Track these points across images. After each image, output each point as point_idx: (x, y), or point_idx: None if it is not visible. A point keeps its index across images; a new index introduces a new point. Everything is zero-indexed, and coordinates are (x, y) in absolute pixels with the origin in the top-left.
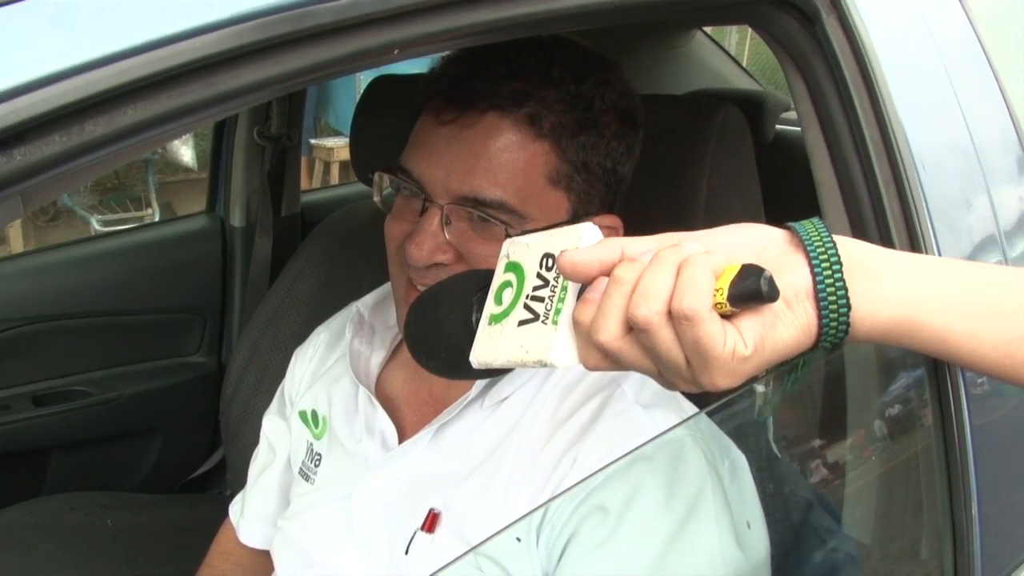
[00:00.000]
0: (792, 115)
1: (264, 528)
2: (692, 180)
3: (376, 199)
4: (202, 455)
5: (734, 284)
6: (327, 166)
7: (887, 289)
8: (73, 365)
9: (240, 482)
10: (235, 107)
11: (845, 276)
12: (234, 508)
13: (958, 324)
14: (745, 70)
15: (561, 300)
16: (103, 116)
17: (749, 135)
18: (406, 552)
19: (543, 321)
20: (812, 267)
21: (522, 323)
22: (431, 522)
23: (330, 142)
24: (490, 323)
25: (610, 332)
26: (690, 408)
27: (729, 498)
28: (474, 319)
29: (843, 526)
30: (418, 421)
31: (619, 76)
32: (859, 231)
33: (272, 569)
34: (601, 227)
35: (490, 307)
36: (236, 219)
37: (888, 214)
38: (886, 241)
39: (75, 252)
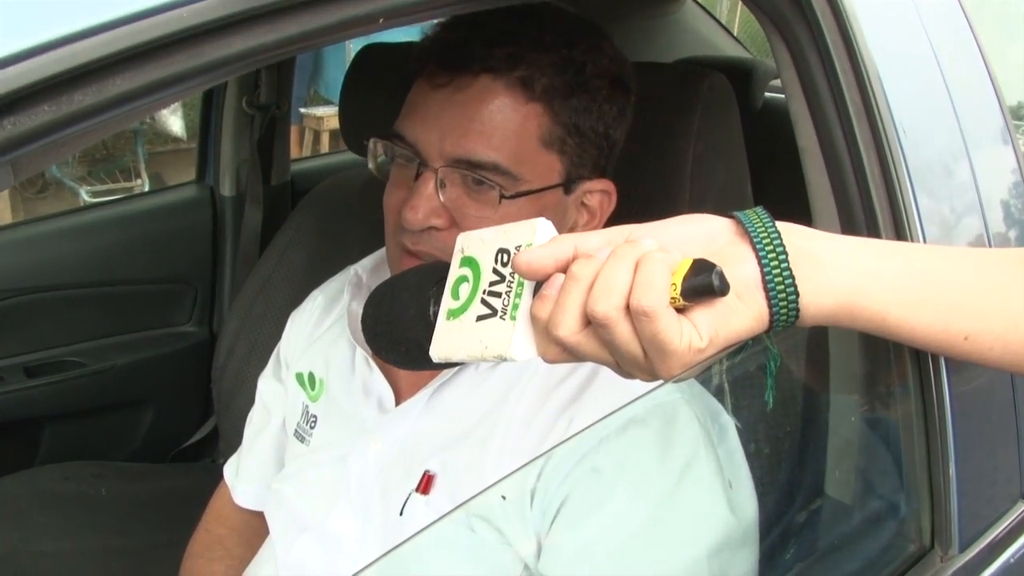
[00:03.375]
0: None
1: (259, 490)
2: (678, 148)
3: (371, 166)
4: (194, 424)
5: (687, 279)
6: (317, 135)
7: (831, 275)
8: (65, 336)
9: (233, 451)
10: (222, 76)
11: (791, 265)
12: (229, 469)
13: (896, 305)
14: (735, 38)
15: (518, 296)
16: (92, 86)
17: (735, 103)
18: (400, 513)
19: (501, 317)
20: (759, 258)
21: (480, 318)
22: (426, 484)
23: (320, 111)
24: (448, 318)
25: (568, 327)
26: None
27: (720, 460)
28: (431, 313)
29: (825, 487)
30: (414, 383)
31: (610, 42)
32: (841, 197)
33: (266, 532)
34: (594, 191)
35: (447, 302)
36: (226, 189)
37: (869, 179)
38: (867, 207)
39: (65, 223)
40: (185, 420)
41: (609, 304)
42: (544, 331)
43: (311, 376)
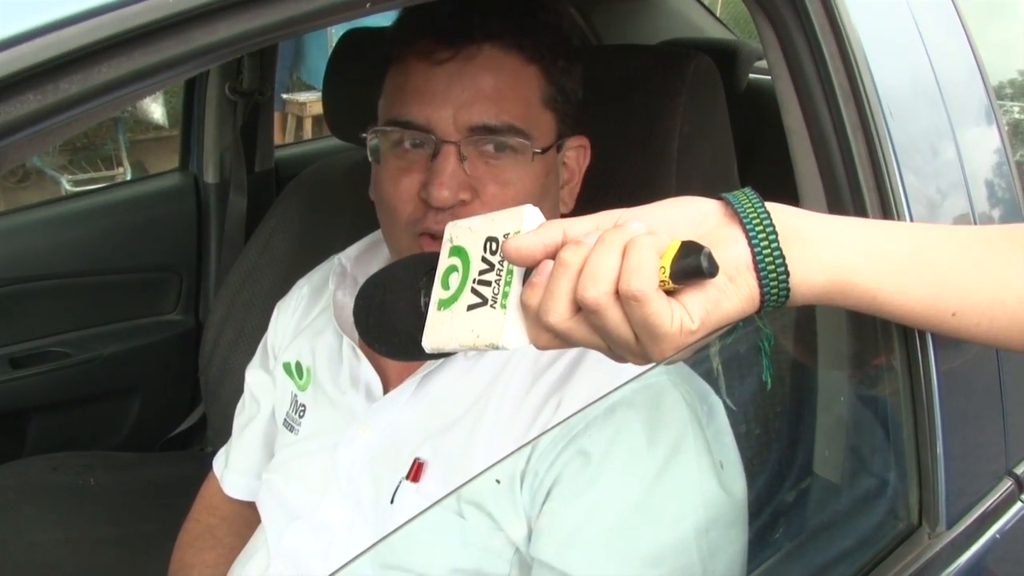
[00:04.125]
0: (765, 64)
1: (248, 480)
2: (665, 130)
3: (372, 157)
4: (182, 413)
5: (675, 262)
6: (300, 121)
7: (821, 254)
8: (50, 326)
9: (221, 438)
10: (209, 63)
11: (781, 245)
12: (218, 461)
13: (887, 283)
14: (719, 19)
15: (508, 284)
16: (77, 74)
17: (721, 85)
18: (391, 501)
19: (492, 305)
20: (749, 239)
21: (471, 307)
22: (416, 471)
23: (302, 96)
24: (439, 308)
25: (559, 314)
26: None
27: (708, 440)
28: (422, 303)
29: (814, 466)
30: (402, 371)
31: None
32: (828, 177)
33: (257, 521)
34: (573, 148)
35: (438, 292)
36: (210, 176)
37: (856, 160)
38: (854, 187)
39: (49, 212)
40: (173, 409)
41: (598, 290)
42: (535, 318)
43: (299, 365)
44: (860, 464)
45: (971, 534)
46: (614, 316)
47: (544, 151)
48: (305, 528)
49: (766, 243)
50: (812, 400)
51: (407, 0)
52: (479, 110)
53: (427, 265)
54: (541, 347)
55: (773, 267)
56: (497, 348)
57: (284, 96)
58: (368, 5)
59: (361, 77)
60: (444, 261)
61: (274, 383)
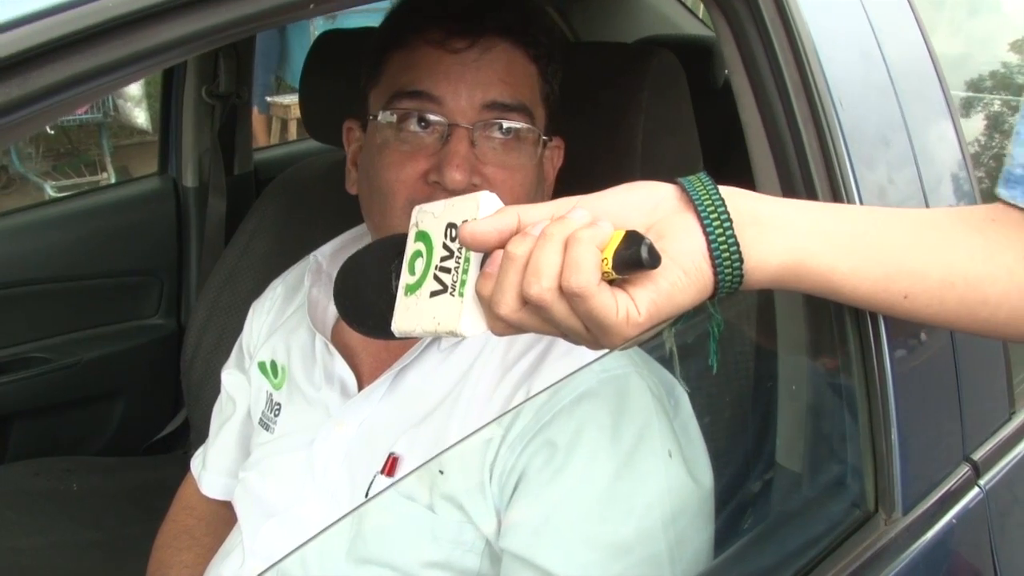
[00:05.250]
0: None
1: (226, 480)
2: (628, 125)
3: (379, 140)
4: (165, 416)
5: (617, 253)
6: (285, 123)
7: (775, 238)
8: (31, 331)
9: (204, 441)
10: (150, 67)
11: (736, 231)
12: (195, 461)
13: (840, 265)
14: (697, 16)
15: (465, 272)
16: (15, 79)
17: (684, 80)
18: (366, 496)
19: (451, 293)
20: (704, 227)
21: (433, 294)
22: (391, 466)
23: (287, 99)
24: (406, 293)
25: (508, 306)
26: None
27: (675, 431)
28: (394, 286)
29: (777, 456)
30: (376, 367)
31: None
32: (783, 170)
33: (234, 521)
34: (553, 147)
35: (405, 277)
36: (189, 179)
37: (808, 152)
38: (806, 179)
39: (28, 218)
40: (156, 413)
41: (541, 286)
42: (488, 308)
43: (273, 364)
44: (821, 453)
45: (928, 520)
46: (560, 310)
47: (545, 141)
48: (280, 525)
49: (720, 230)
50: (773, 390)
51: (352, 2)
52: (494, 89)
53: (398, 248)
54: (498, 334)
55: (728, 254)
56: (456, 336)
57: (268, 99)
58: (312, 6)
59: (338, 78)
60: (411, 246)
61: (249, 383)
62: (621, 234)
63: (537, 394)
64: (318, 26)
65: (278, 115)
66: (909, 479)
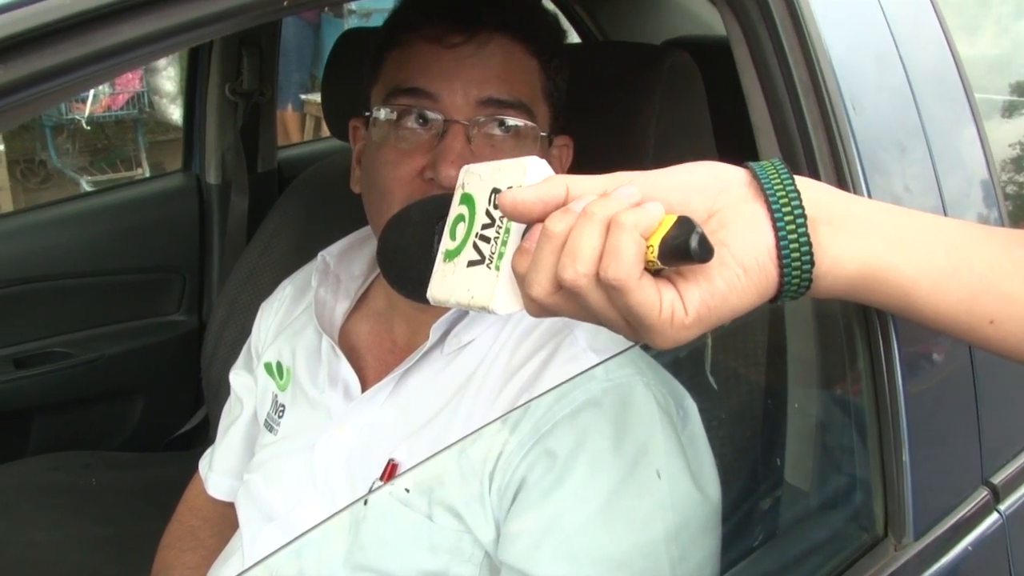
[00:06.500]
0: None
1: (231, 481)
2: (641, 127)
3: (377, 137)
4: (185, 413)
5: (665, 241)
6: (318, 121)
7: (852, 242)
8: (53, 327)
9: None
10: (117, 67)
11: (809, 230)
12: (203, 462)
13: (922, 280)
14: None
15: (504, 243)
16: None
17: (699, 82)
18: (365, 503)
19: (487, 265)
20: (775, 222)
21: (471, 263)
22: (390, 472)
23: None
24: (445, 259)
25: (542, 287)
26: (642, 352)
27: (683, 443)
28: (435, 249)
29: (784, 474)
30: (381, 370)
31: None
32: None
33: (238, 522)
34: (560, 146)
35: (446, 241)
36: (212, 176)
37: (817, 159)
38: None
39: (52, 213)
40: (176, 409)
41: (575, 271)
42: (522, 286)
43: (279, 365)
44: (829, 473)
45: (941, 546)
46: (597, 299)
47: (546, 138)
48: (279, 530)
49: (792, 226)
50: (782, 407)
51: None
52: (491, 85)
53: (443, 208)
54: (532, 315)
55: (798, 255)
56: (488, 312)
57: (303, 97)
58: (286, 4)
59: (360, 78)
60: (455, 208)
61: (256, 384)
62: (672, 219)
63: (539, 396)
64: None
65: (312, 113)
66: (921, 502)
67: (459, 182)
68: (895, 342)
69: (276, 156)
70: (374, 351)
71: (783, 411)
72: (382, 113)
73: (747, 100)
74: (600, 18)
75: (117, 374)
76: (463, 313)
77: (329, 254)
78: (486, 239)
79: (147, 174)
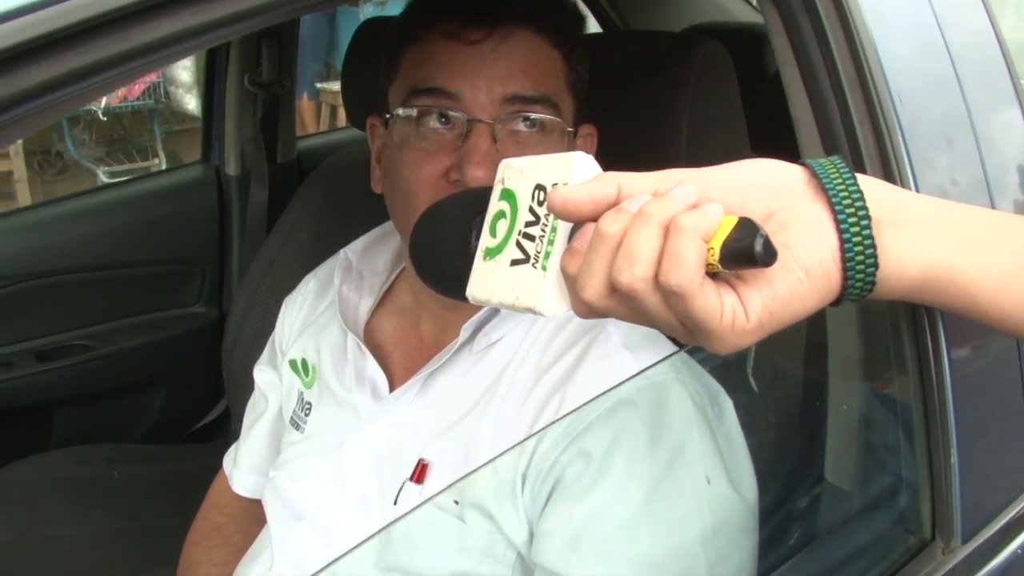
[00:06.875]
0: None
1: (257, 477)
2: (673, 118)
3: (397, 137)
4: (206, 405)
5: (727, 244)
6: (334, 110)
7: (918, 243)
8: (74, 320)
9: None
10: (153, 63)
11: (873, 231)
12: (227, 458)
13: (988, 281)
14: (749, 2)
15: (551, 242)
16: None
17: (732, 72)
18: (395, 503)
19: (533, 264)
20: (838, 223)
21: (514, 263)
22: (420, 473)
23: (336, 86)
24: (485, 257)
25: (595, 290)
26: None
27: (718, 441)
28: (472, 246)
29: (825, 473)
30: (408, 368)
31: None
32: None
33: (264, 520)
34: (584, 136)
35: (485, 239)
36: (231, 168)
37: (864, 153)
38: None
39: (71, 206)
40: (197, 401)
41: (633, 275)
42: (572, 288)
43: (304, 363)
44: (873, 472)
45: (990, 549)
46: (654, 302)
47: (571, 132)
48: (309, 529)
49: (857, 228)
50: (823, 405)
51: None
52: (514, 82)
53: (481, 203)
54: (582, 317)
55: (862, 258)
56: (535, 313)
57: (319, 85)
58: None
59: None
60: (494, 204)
61: (281, 380)
62: (732, 221)
63: (572, 413)
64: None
65: (328, 102)
66: (969, 505)
67: (498, 176)
68: (943, 339)
69: (295, 146)
70: (401, 348)
71: (823, 408)
72: (402, 113)
73: (787, 93)
74: (620, 5)
75: (138, 367)
76: (494, 311)
77: (351, 251)
78: (530, 237)
79: (163, 164)
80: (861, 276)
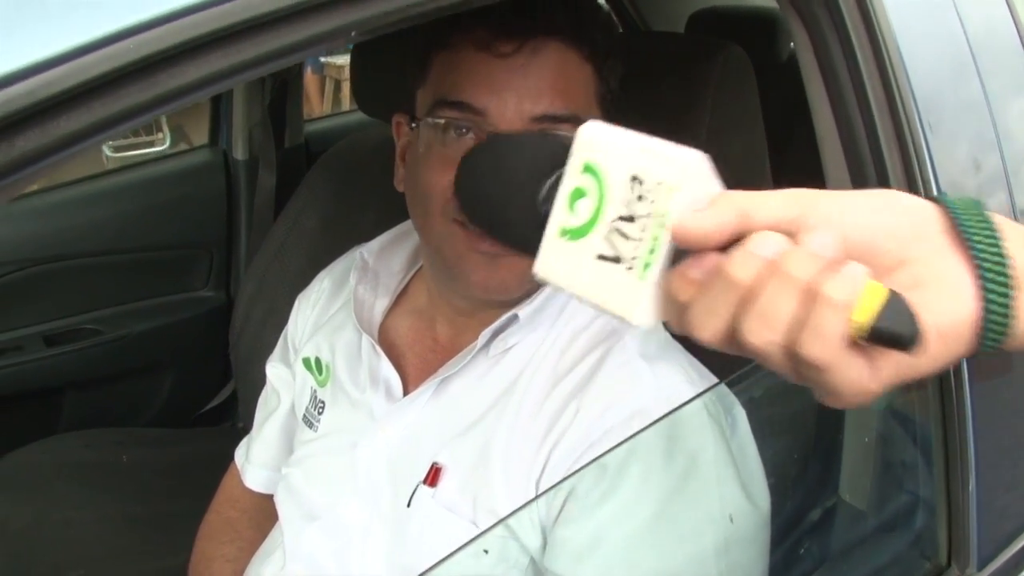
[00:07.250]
0: None
1: (269, 473)
2: (692, 122)
3: (422, 140)
4: (214, 388)
5: (879, 320)
6: (338, 84)
7: None
8: (83, 304)
9: (252, 414)
10: (176, 107)
11: (1012, 302)
12: (239, 453)
13: None
14: None
15: (652, 251)
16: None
17: (752, 76)
18: (408, 505)
19: (628, 267)
20: (984, 293)
21: (602, 258)
22: (434, 476)
23: (340, 60)
24: (562, 235)
25: (711, 333)
26: (694, 360)
27: (733, 453)
28: (540, 207)
29: (840, 490)
30: (423, 369)
31: None
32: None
33: (276, 515)
34: None
35: (562, 214)
36: (239, 152)
37: (891, 176)
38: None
39: (80, 191)
40: (205, 384)
41: (765, 338)
42: (679, 314)
43: (318, 361)
44: (889, 493)
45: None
46: (781, 364)
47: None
48: (322, 530)
49: (1002, 299)
50: (839, 424)
51: (392, 26)
52: (544, 100)
53: (554, 161)
54: (677, 332)
55: (1000, 329)
56: (623, 321)
57: (323, 59)
58: (353, 34)
59: (390, 52)
60: (574, 175)
61: (294, 377)
62: (880, 293)
63: (585, 466)
64: None
65: (332, 75)
66: (986, 531)
67: (579, 142)
68: (964, 363)
69: (303, 131)
70: (415, 348)
71: (840, 422)
72: (428, 122)
73: (811, 108)
74: (640, 3)
75: (146, 350)
76: (512, 317)
77: (367, 250)
78: (624, 235)
79: (167, 139)
80: (992, 344)
